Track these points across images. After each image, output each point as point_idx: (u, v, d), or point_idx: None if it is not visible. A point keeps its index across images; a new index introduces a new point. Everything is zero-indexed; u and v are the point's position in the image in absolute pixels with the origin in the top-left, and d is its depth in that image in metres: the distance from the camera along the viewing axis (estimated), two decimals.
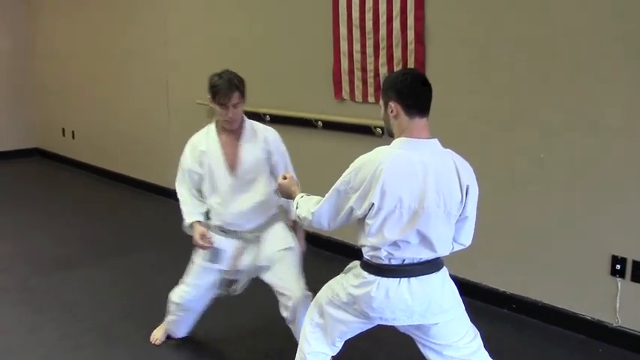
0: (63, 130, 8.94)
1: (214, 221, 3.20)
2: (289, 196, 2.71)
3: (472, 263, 4.04)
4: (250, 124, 3.22)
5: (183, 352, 3.52)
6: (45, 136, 9.48)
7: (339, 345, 2.68)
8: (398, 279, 2.34)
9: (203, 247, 3.14)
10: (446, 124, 3.87)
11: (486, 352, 2.52)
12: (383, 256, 2.33)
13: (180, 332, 3.60)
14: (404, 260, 2.34)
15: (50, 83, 9.06)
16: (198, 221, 3.19)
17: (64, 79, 8.68)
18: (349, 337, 2.66)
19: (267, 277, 3.20)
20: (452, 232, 2.39)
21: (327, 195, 2.41)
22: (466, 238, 2.48)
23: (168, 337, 3.62)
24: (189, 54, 6.31)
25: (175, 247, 5.27)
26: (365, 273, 2.40)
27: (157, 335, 3.62)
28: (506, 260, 3.97)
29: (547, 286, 3.79)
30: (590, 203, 3.54)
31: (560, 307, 3.74)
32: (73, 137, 8.75)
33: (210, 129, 3.22)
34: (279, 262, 3.17)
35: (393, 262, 2.34)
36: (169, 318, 3.52)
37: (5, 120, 9.21)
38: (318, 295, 2.72)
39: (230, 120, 3.07)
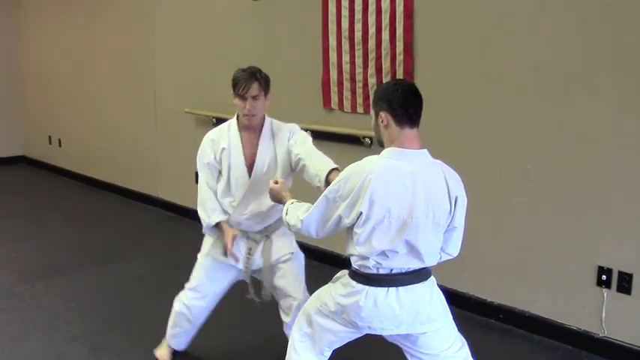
0: (49, 137, 8.90)
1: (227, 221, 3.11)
2: (279, 201, 2.71)
3: (460, 273, 4.06)
4: (271, 122, 3.12)
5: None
6: (31, 144, 9.42)
7: (327, 354, 2.68)
8: (386, 288, 2.35)
9: (231, 252, 3.00)
10: (433, 135, 3.89)
11: None
12: (371, 266, 2.34)
13: (182, 344, 3.45)
14: (392, 270, 2.35)
15: (37, 91, 9.02)
16: (225, 221, 3.07)
17: (51, 87, 8.64)
18: (337, 346, 2.65)
19: (274, 279, 3.16)
20: (440, 242, 2.40)
21: (316, 203, 2.42)
22: (454, 249, 2.49)
23: (175, 353, 3.50)
24: (177, 63, 6.31)
25: (162, 256, 5.26)
26: (353, 282, 2.40)
27: (164, 355, 3.46)
28: (493, 271, 3.99)
29: (534, 297, 3.81)
30: (576, 215, 3.57)
31: (546, 317, 3.76)
32: (60, 145, 8.71)
33: (232, 125, 3.10)
34: (288, 265, 3.15)
35: (382, 271, 2.35)
36: (174, 331, 3.39)
37: None
38: (306, 304, 2.72)
39: (248, 114, 2.97)
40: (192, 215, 6.22)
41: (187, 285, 3.27)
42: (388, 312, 2.35)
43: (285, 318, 3.19)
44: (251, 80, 2.93)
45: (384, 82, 4.22)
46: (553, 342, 3.71)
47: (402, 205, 2.27)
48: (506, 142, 3.81)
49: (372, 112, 2.45)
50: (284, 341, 2.87)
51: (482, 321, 3.98)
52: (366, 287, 2.36)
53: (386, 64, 4.30)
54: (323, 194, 2.39)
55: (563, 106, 3.54)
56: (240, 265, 3.11)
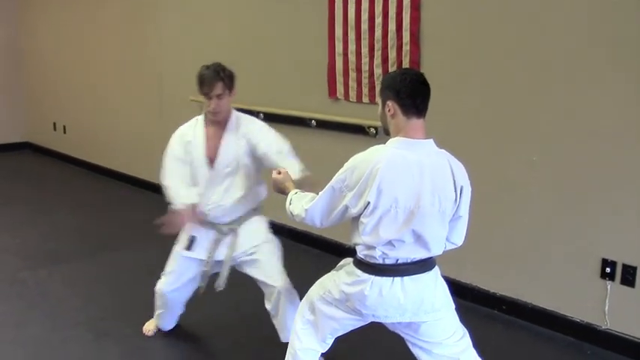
0: (54, 124, 8.91)
1: None
2: (282, 191, 2.71)
3: (463, 264, 4.06)
4: (237, 117, 3.20)
5: (171, 345, 3.53)
6: (36, 131, 9.43)
7: (330, 342, 2.69)
8: (391, 278, 2.35)
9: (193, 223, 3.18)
10: (439, 125, 3.89)
11: (475, 351, 2.53)
12: (377, 256, 2.34)
13: (167, 325, 3.63)
14: (398, 260, 2.35)
15: (42, 77, 9.02)
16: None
17: (56, 73, 8.64)
18: (340, 334, 2.66)
19: (250, 270, 3.24)
20: (446, 231, 2.40)
21: (321, 193, 2.41)
22: (458, 238, 2.50)
23: (159, 330, 3.65)
24: (181, 51, 6.30)
25: (165, 244, 5.26)
26: (358, 271, 2.40)
27: (150, 327, 3.65)
28: (497, 262, 3.98)
29: (537, 288, 3.81)
30: (581, 207, 3.56)
31: (549, 309, 3.76)
32: (65, 132, 8.71)
33: (199, 120, 3.24)
34: (260, 255, 3.21)
35: (387, 261, 2.35)
36: (156, 312, 3.58)
37: None
38: (309, 291, 2.72)
39: (213, 111, 3.08)
40: None
41: (164, 271, 3.42)
42: (393, 301, 2.36)
43: (267, 305, 3.25)
44: (215, 80, 3.03)
45: (390, 72, 4.20)
46: (556, 334, 3.71)
47: (409, 194, 2.26)
48: (512, 133, 3.80)
49: (379, 100, 2.44)
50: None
51: (485, 312, 3.98)
52: (372, 277, 2.37)
53: (392, 55, 4.29)
54: (328, 185, 2.39)
55: (571, 98, 3.52)
56: (204, 256, 3.23)
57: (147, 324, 3.67)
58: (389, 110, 2.35)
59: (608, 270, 3.48)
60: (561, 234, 3.65)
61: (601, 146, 3.43)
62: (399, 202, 2.26)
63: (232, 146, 3.13)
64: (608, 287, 3.50)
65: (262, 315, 3.31)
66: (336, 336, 2.69)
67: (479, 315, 3.93)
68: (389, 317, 2.43)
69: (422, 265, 2.38)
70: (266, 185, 3.29)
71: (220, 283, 3.26)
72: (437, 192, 2.30)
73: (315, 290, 2.67)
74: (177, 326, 3.65)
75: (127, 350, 3.46)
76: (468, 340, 2.53)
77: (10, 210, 6.35)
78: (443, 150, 2.39)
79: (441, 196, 2.31)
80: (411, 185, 2.26)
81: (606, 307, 3.52)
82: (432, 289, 2.41)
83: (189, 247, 3.26)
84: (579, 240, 3.59)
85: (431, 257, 2.41)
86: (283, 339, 3.20)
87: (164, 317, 3.58)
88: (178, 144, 3.23)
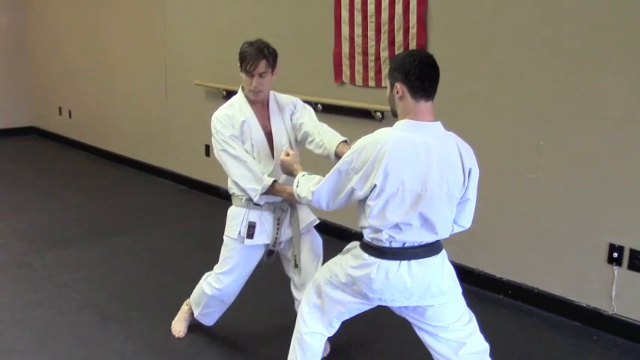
0: (60, 108, 8.90)
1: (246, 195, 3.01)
2: (290, 173, 2.70)
3: (469, 249, 4.05)
4: (275, 96, 3.10)
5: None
6: (42, 115, 9.43)
7: (336, 326, 2.68)
8: (398, 261, 2.34)
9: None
10: (446, 108, 3.86)
11: (481, 336, 2.52)
12: (384, 239, 2.33)
13: (213, 321, 3.41)
14: (404, 243, 2.34)
15: (47, 62, 9.00)
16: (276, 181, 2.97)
17: (61, 57, 8.62)
18: (346, 317, 2.66)
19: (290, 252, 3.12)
20: (453, 214, 2.39)
21: (327, 175, 2.40)
22: (466, 220, 2.49)
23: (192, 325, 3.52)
24: (187, 35, 6.27)
25: (172, 229, 5.28)
26: (365, 255, 2.39)
27: (180, 327, 3.45)
28: (503, 247, 3.97)
29: (544, 273, 3.79)
30: (588, 191, 3.54)
31: (556, 294, 3.75)
32: (70, 116, 8.71)
33: (240, 100, 3.03)
34: (307, 239, 3.11)
35: (394, 244, 2.34)
36: (205, 311, 3.34)
37: (2, 98, 9.16)
38: (315, 275, 2.72)
39: (254, 90, 2.93)
40: (201, 188, 6.25)
41: (218, 269, 3.17)
42: (400, 285, 2.35)
43: (297, 295, 3.16)
44: (259, 57, 2.88)
45: (398, 53, 4.17)
46: (562, 319, 3.70)
47: (417, 177, 2.25)
48: (519, 117, 3.77)
49: (387, 82, 2.41)
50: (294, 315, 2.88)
51: (491, 297, 3.97)
52: (378, 260, 2.35)
53: (399, 38, 4.25)
54: (335, 166, 2.37)
55: (578, 81, 3.49)
56: (267, 240, 3.06)
57: (176, 325, 3.47)
58: (397, 92, 2.32)
59: (615, 255, 3.46)
60: (568, 219, 3.63)
61: (609, 131, 3.41)
62: (405, 184, 2.24)
63: (281, 125, 3.03)
64: (615, 272, 3.48)
65: (269, 295, 3.32)
66: (342, 320, 2.68)
67: (485, 300, 3.92)
68: (395, 301, 2.42)
69: (429, 249, 2.37)
70: None
71: (298, 262, 3.08)
72: (445, 175, 2.28)
73: (321, 274, 2.66)
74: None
75: (133, 333, 3.47)
76: (474, 325, 2.52)
77: (16, 194, 6.36)
78: (451, 132, 2.36)
79: (449, 179, 2.29)
80: (418, 168, 2.24)
81: (613, 293, 3.51)
82: (439, 272, 2.40)
83: (251, 235, 3.03)
84: (586, 225, 3.57)
85: (438, 241, 2.40)
86: None
87: (213, 314, 3.36)
88: (230, 125, 2.96)
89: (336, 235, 4.83)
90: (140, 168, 7.24)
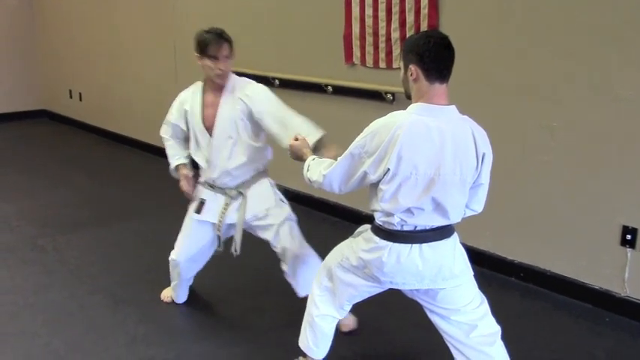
0: (70, 91, 8.91)
1: (202, 177, 3.30)
2: (300, 157, 2.67)
3: (481, 231, 4.03)
4: (234, 82, 3.15)
5: (188, 311, 3.56)
6: (52, 98, 9.45)
7: (347, 308, 2.69)
8: (410, 245, 2.33)
9: (187, 191, 3.32)
10: (458, 90, 3.81)
11: (493, 318, 2.52)
12: (396, 222, 2.31)
13: (180, 298, 3.63)
14: (416, 227, 2.32)
15: (57, 45, 8.99)
16: (184, 164, 3.35)
17: (71, 41, 8.61)
18: (357, 300, 2.66)
19: (262, 234, 3.26)
20: (465, 198, 2.37)
21: (340, 158, 2.38)
22: (478, 205, 2.47)
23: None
24: (196, 16, 6.23)
25: (181, 211, 5.28)
26: (376, 238, 2.38)
27: (167, 294, 3.68)
28: (515, 229, 3.95)
29: (556, 256, 3.77)
30: (601, 173, 3.50)
31: (568, 276, 3.73)
32: (80, 99, 8.72)
33: (198, 87, 3.25)
34: (271, 219, 3.21)
35: (406, 228, 2.32)
36: (172, 282, 3.59)
37: (13, 81, 9.17)
38: (327, 258, 2.72)
39: (221, 73, 3.05)
40: None
41: (177, 240, 3.43)
42: (411, 268, 2.34)
43: (283, 267, 3.29)
44: (221, 40, 3.02)
45: (407, 36, 4.13)
46: (573, 301, 3.68)
47: (430, 161, 2.22)
48: (532, 99, 3.73)
49: (401, 63, 2.37)
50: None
51: (502, 279, 3.96)
52: (390, 243, 2.34)
53: (410, 18, 4.20)
54: (347, 150, 2.34)
55: (591, 61, 3.44)
56: (214, 219, 3.23)
57: (165, 291, 3.69)
58: (411, 74, 2.27)
59: (628, 237, 3.43)
60: (581, 200, 3.60)
61: (623, 112, 3.36)
62: (419, 169, 2.22)
63: (228, 111, 3.10)
64: (628, 254, 3.46)
65: (278, 279, 3.33)
66: (353, 303, 2.68)
67: (496, 282, 3.91)
68: (407, 284, 2.42)
69: (440, 233, 2.36)
70: (271, 148, 3.28)
71: (236, 248, 3.25)
72: (458, 159, 2.25)
73: (332, 257, 2.66)
74: (192, 292, 3.66)
75: (144, 316, 3.49)
76: (486, 307, 2.51)
77: (27, 177, 6.39)
78: (466, 116, 2.33)
79: (462, 164, 2.26)
80: (431, 152, 2.21)
81: (626, 275, 3.49)
82: (451, 256, 2.39)
83: (199, 211, 3.26)
84: (599, 207, 3.54)
85: (450, 224, 2.38)
86: (302, 294, 3.24)
87: (177, 289, 3.58)
88: (177, 110, 3.33)
89: (347, 218, 4.83)
90: (150, 151, 7.24)
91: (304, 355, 2.81)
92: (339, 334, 2.93)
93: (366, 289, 2.56)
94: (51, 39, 9.12)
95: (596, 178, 3.53)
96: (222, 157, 3.13)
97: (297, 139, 2.71)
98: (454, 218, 2.36)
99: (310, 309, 2.70)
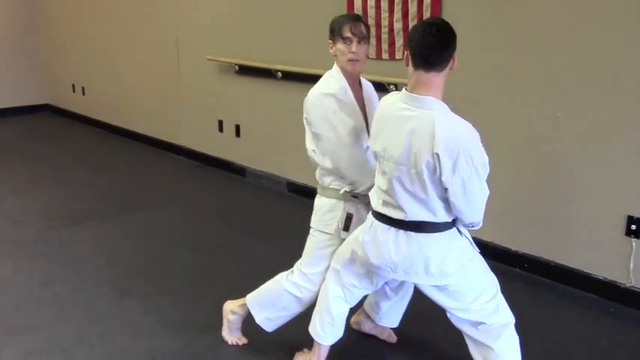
0: (73, 86, 8.91)
1: (346, 186, 2.72)
2: None
3: (484, 222, 4.01)
4: (363, 80, 2.86)
5: (196, 305, 3.55)
6: (56, 93, 9.45)
7: (357, 294, 2.72)
8: (388, 226, 2.39)
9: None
10: (462, 81, 3.81)
11: (506, 311, 2.54)
12: (378, 201, 2.42)
13: (277, 326, 3.04)
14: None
15: (60, 39, 8.99)
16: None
17: (74, 35, 8.60)
18: (360, 287, 2.67)
19: None
20: (426, 196, 2.26)
21: None
22: (462, 215, 2.32)
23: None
24: (199, 10, 6.22)
25: (186, 205, 5.30)
26: (369, 215, 2.52)
27: (235, 336, 3.15)
28: (519, 220, 3.94)
29: (560, 246, 3.77)
30: (606, 163, 3.49)
31: (572, 266, 3.72)
32: (84, 93, 8.72)
33: (337, 76, 2.73)
34: None
35: (385, 210, 2.40)
36: (277, 314, 2.97)
37: (16, 76, 9.17)
38: (340, 247, 2.75)
39: (354, 58, 2.64)
40: (215, 163, 6.25)
41: (309, 269, 2.85)
42: (385, 252, 2.38)
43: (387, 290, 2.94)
44: (358, 21, 2.66)
45: (410, 27, 4.11)
46: (578, 291, 3.68)
47: (389, 145, 2.29)
48: (536, 88, 3.71)
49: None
50: None
51: (506, 270, 3.95)
52: (373, 219, 2.45)
53: (412, 9, 4.19)
54: None
55: (596, 51, 3.43)
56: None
57: (229, 336, 3.15)
58: (405, 59, 2.31)
59: (633, 227, 3.43)
60: (586, 191, 3.59)
61: (628, 101, 3.35)
62: (385, 150, 2.31)
63: (374, 105, 2.78)
64: (633, 245, 3.45)
65: None
66: (359, 288, 2.67)
67: (500, 273, 3.84)
68: (382, 269, 2.44)
69: (416, 226, 2.32)
70: None
71: None
72: (413, 151, 2.21)
73: (344, 245, 2.71)
74: (196, 284, 3.66)
75: (149, 308, 3.50)
76: (497, 302, 2.50)
77: (32, 171, 6.40)
78: (441, 113, 2.21)
79: (416, 157, 2.20)
80: (390, 136, 2.29)
81: (631, 265, 3.48)
82: (431, 251, 2.33)
83: (347, 227, 2.74)
84: (604, 197, 3.53)
85: (435, 221, 2.33)
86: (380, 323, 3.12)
87: (284, 318, 2.98)
88: (339, 106, 2.66)
89: None
90: (154, 144, 7.25)
91: (310, 347, 2.82)
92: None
93: (362, 274, 2.61)
94: (54, 34, 9.11)
95: (600, 168, 3.52)
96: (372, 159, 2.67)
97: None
98: (412, 213, 2.29)
99: (322, 292, 2.75)
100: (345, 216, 2.73)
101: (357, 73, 2.75)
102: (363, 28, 2.65)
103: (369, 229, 2.44)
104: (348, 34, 2.63)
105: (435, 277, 2.38)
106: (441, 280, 2.39)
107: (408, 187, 2.26)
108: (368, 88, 2.86)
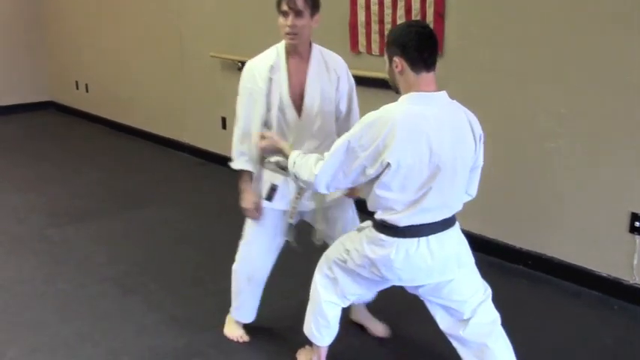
0: (76, 83, 8.91)
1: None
2: (277, 151, 2.60)
3: (487, 219, 4.01)
4: (320, 50, 2.81)
5: (198, 301, 3.55)
6: (59, 89, 9.45)
7: (351, 299, 2.67)
8: (417, 239, 2.28)
9: (252, 217, 2.86)
10: (465, 76, 3.81)
11: (492, 305, 2.49)
12: (400, 217, 2.26)
13: (249, 315, 3.15)
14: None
15: (63, 36, 8.99)
16: (249, 172, 2.84)
17: (77, 32, 8.61)
18: (360, 293, 2.65)
19: (322, 225, 2.92)
20: (465, 184, 2.38)
21: (331, 153, 2.29)
22: (473, 189, 2.50)
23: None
24: (202, 6, 6.21)
25: (189, 202, 5.30)
26: (382, 235, 2.31)
27: (236, 333, 3.17)
28: (522, 216, 3.94)
29: (563, 243, 3.76)
30: (610, 160, 3.48)
31: (576, 264, 3.72)
32: (87, 90, 8.72)
33: (280, 50, 2.75)
34: (339, 216, 2.93)
35: (410, 222, 2.27)
36: (235, 303, 3.13)
37: (20, 73, 9.17)
38: (328, 251, 2.68)
39: (290, 32, 2.62)
40: (218, 161, 6.24)
41: (241, 240, 3.02)
42: (420, 263, 2.30)
43: None
44: None
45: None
46: (582, 288, 3.67)
47: (430, 152, 2.19)
48: (540, 85, 3.70)
49: (385, 56, 2.34)
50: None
51: (510, 267, 3.95)
52: (396, 239, 2.28)
53: (415, 5, 4.17)
54: (339, 144, 2.26)
55: (600, 47, 3.41)
56: (286, 206, 2.83)
57: (230, 331, 3.19)
58: (396, 67, 2.26)
59: (637, 224, 3.42)
60: (589, 188, 3.59)
61: (632, 98, 3.34)
62: (420, 160, 2.18)
63: (320, 82, 2.74)
64: (637, 242, 3.44)
65: (289, 264, 3.31)
66: (356, 296, 2.66)
67: (504, 270, 3.90)
68: (415, 280, 2.38)
69: (445, 223, 2.33)
70: None
71: (318, 238, 2.91)
72: (458, 144, 2.25)
73: (334, 250, 2.60)
74: (199, 281, 3.66)
75: (152, 305, 3.50)
76: (487, 294, 2.48)
77: (35, 168, 6.41)
78: (455, 101, 2.33)
79: (462, 148, 2.27)
80: (430, 142, 2.18)
81: (634, 262, 3.47)
82: (457, 245, 2.38)
83: (270, 198, 2.81)
84: (608, 194, 3.52)
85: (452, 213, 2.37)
86: None
87: (246, 303, 3.09)
88: (260, 75, 2.71)
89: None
90: (157, 141, 7.25)
91: (312, 343, 2.82)
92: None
93: (369, 286, 2.56)
94: (57, 30, 9.12)
95: (604, 165, 3.51)
96: (305, 135, 2.74)
97: (263, 137, 2.65)
98: (456, 206, 2.36)
99: (313, 296, 2.69)
100: (269, 186, 2.80)
101: (300, 46, 2.72)
102: (301, 2, 2.61)
103: (396, 252, 2.28)
104: (285, 7, 2.62)
105: (467, 264, 2.43)
106: (468, 264, 2.43)
107: (447, 184, 2.25)
108: (318, 63, 2.77)
